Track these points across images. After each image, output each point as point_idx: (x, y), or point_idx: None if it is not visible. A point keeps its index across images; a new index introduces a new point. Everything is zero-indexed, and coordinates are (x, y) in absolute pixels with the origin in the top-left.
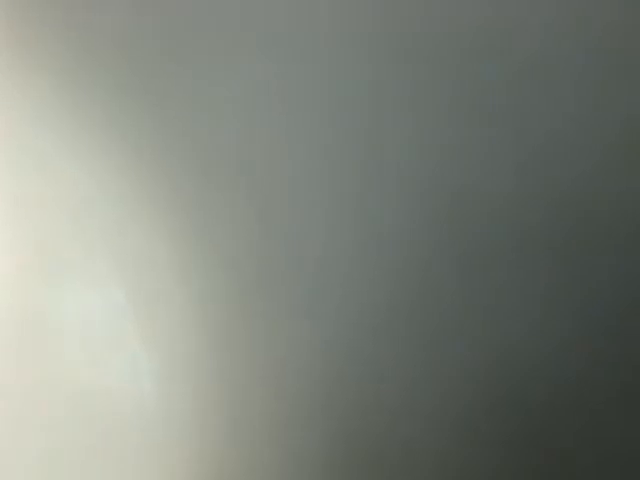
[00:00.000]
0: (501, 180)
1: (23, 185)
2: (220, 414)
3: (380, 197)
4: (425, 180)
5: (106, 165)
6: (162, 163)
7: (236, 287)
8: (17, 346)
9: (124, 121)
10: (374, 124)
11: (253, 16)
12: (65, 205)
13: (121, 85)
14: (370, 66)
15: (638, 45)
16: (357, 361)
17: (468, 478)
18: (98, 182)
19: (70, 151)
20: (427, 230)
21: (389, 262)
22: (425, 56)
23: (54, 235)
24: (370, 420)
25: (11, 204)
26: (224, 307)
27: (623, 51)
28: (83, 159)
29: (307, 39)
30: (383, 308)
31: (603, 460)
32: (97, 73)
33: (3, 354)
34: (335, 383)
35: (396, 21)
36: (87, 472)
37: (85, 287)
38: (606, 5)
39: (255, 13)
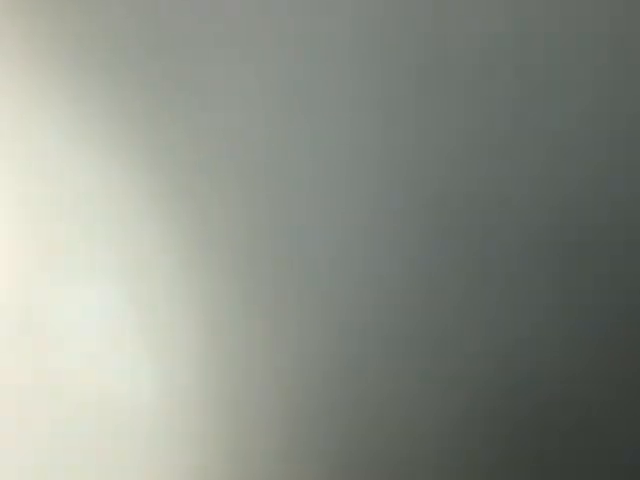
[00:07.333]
0: (509, 185)
1: (25, 184)
2: (221, 414)
3: (388, 199)
4: (433, 183)
5: (109, 164)
6: (165, 163)
7: (238, 287)
8: (17, 345)
9: (126, 120)
10: (378, 125)
11: (256, 15)
12: (66, 204)
13: (123, 83)
14: (374, 67)
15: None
16: (360, 361)
17: (472, 478)
18: (101, 181)
19: (72, 150)
20: (435, 233)
21: (395, 264)
22: (433, 61)
23: (55, 234)
24: (373, 420)
25: (13, 203)
26: (226, 307)
27: (628, 60)
28: (85, 158)
29: (311, 39)
30: (389, 310)
31: (605, 459)
32: (99, 71)
33: (3, 353)
34: (339, 383)
35: (402, 25)
36: (87, 472)
37: (86, 286)
38: (610, 13)
39: (259, 11)
